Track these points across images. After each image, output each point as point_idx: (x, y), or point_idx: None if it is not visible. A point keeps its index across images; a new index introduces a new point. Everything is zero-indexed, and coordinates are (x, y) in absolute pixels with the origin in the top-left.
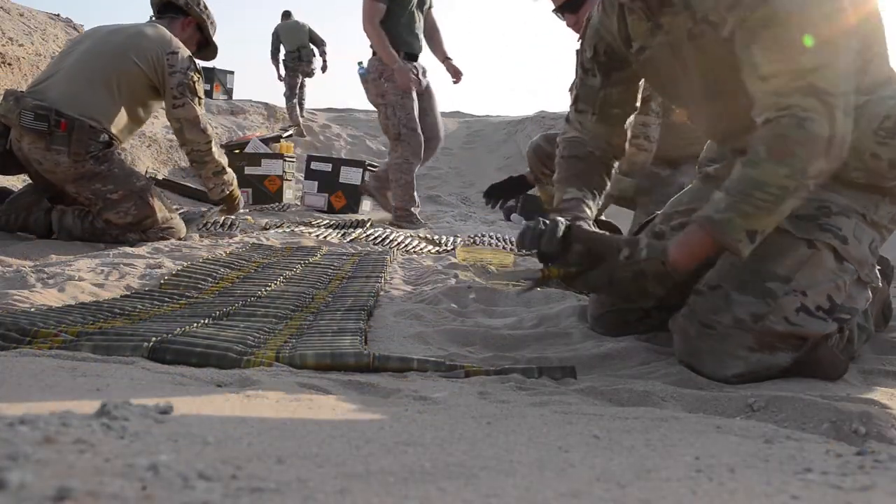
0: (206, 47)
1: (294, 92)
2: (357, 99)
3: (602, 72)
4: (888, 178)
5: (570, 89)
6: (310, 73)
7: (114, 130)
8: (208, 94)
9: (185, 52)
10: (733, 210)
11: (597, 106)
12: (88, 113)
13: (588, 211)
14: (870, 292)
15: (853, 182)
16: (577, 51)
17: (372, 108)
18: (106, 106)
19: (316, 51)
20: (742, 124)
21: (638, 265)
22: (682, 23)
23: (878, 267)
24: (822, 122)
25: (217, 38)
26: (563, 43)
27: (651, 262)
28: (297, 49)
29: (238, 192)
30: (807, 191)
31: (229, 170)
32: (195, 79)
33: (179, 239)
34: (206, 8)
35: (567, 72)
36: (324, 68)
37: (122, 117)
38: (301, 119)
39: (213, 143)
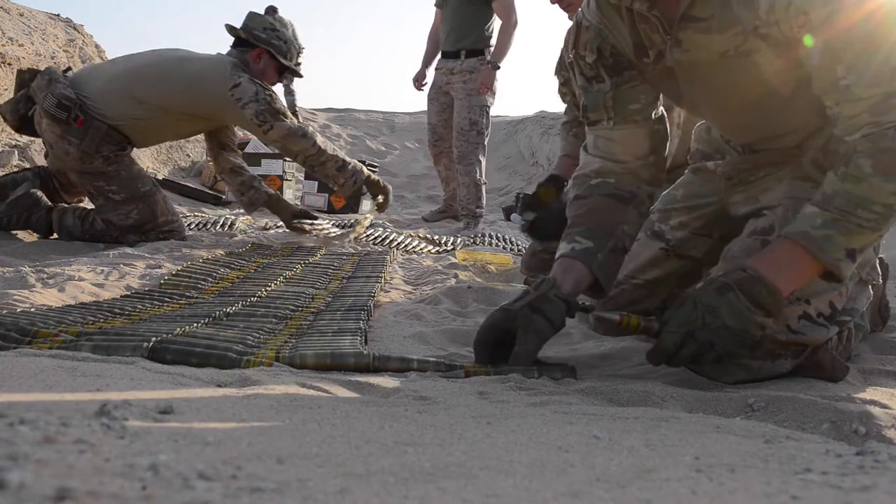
0: (287, 71)
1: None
2: (357, 99)
3: (610, 73)
4: None
5: (565, 123)
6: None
7: (134, 139)
8: None
9: (246, 80)
10: (833, 227)
11: (610, 108)
12: (114, 120)
13: (598, 269)
14: (870, 290)
15: None
16: (571, 64)
17: (372, 108)
18: (135, 121)
19: None
20: (773, 132)
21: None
22: (719, 42)
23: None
24: None
25: (303, 56)
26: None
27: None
28: None
29: (376, 176)
30: None
31: (352, 160)
32: (269, 99)
33: (181, 239)
34: (273, 30)
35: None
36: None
37: (149, 135)
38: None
39: (319, 142)
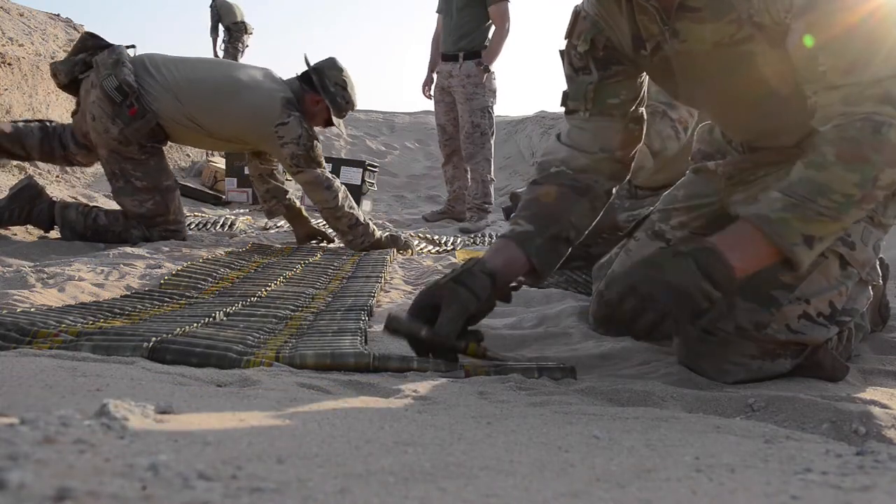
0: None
1: None
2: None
3: (598, 66)
4: None
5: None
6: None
7: (174, 137)
8: None
9: (296, 122)
10: (791, 212)
11: (589, 98)
12: (163, 119)
13: (524, 258)
14: (870, 290)
15: None
16: (562, 52)
17: (371, 108)
18: (183, 128)
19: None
20: (771, 129)
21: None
22: (714, 31)
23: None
24: None
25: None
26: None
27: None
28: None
29: (383, 237)
30: (875, 201)
31: (367, 221)
32: (309, 146)
33: (182, 239)
34: (343, 89)
35: (561, 69)
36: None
37: (189, 139)
38: None
39: (340, 197)
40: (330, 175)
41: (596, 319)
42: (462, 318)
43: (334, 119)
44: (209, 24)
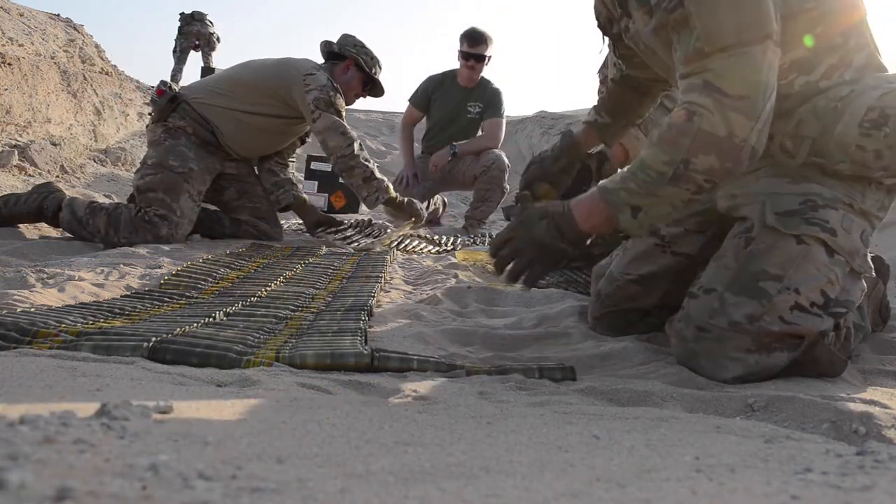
0: (372, 85)
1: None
2: (356, 99)
3: (608, 35)
4: (874, 168)
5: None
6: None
7: (216, 125)
8: None
9: (323, 75)
10: (622, 183)
11: (620, 64)
12: (196, 100)
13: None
14: (864, 283)
15: (838, 173)
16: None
17: (371, 108)
18: (219, 106)
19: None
20: None
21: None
22: (642, 17)
23: (874, 266)
24: (713, 120)
25: (384, 77)
26: (562, 42)
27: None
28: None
29: (399, 196)
30: (695, 185)
31: (382, 177)
32: (332, 95)
33: (167, 240)
34: (362, 47)
35: (563, 70)
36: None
37: (226, 119)
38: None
39: (355, 147)
40: (348, 126)
41: (490, 254)
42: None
43: (372, 78)
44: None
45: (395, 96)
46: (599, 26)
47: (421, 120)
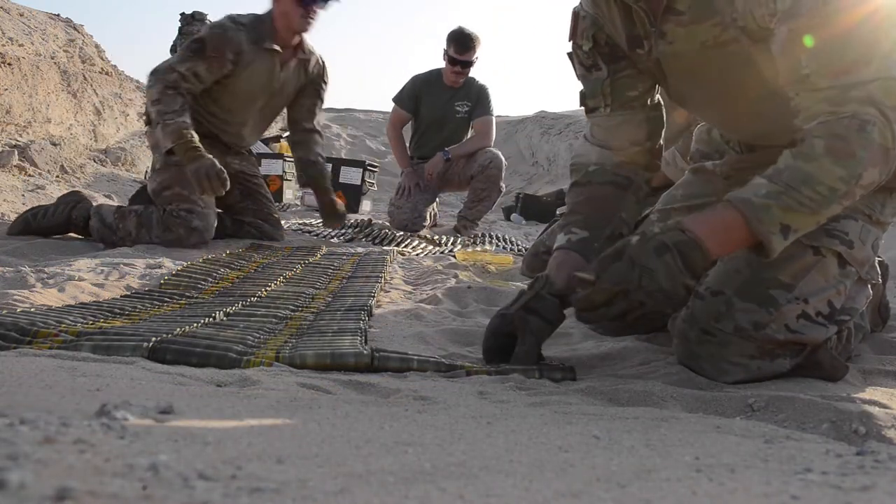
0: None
1: None
2: (357, 99)
3: (607, 61)
4: None
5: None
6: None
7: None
8: None
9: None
10: (774, 199)
11: (608, 94)
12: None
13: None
14: (870, 289)
15: None
16: (570, 54)
17: (371, 108)
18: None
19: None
20: (765, 129)
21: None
22: (698, 33)
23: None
24: (883, 130)
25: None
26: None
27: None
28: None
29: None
30: (853, 200)
31: (176, 124)
32: (194, 47)
33: (195, 243)
34: None
35: (563, 70)
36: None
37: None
38: None
39: (157, 92)
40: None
41: (577, 309)
42: (538, 347)
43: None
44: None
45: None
46: (598, 51)
47: (409, 122)
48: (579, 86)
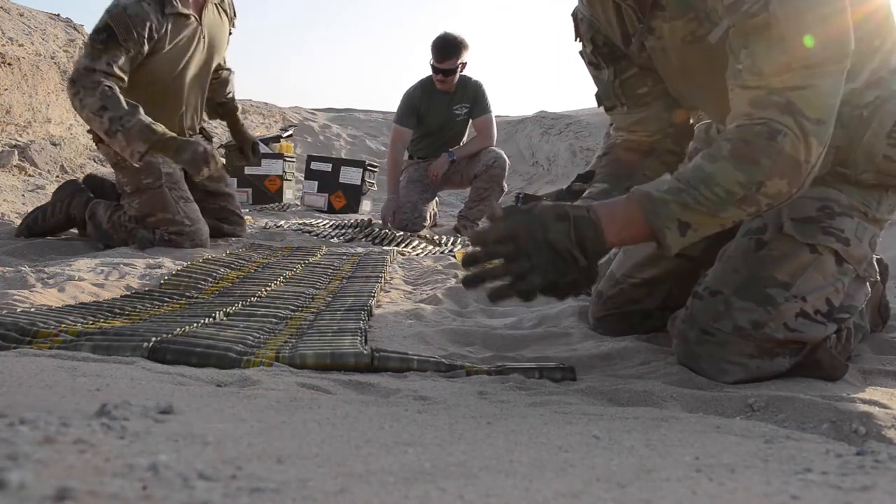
0: None
1: None
2: (357, 99)
3: (608, 61)
4: None
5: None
6: None
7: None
8: None
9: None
10: (674, 194)
11: (620, 95)
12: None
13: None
14: (868, 287)
15: (861, 182)
16: (580, 52)
17: (371, 108)
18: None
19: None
20: None
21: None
22: (678, 28)
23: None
24: (795, 143)
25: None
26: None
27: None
28: None
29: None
30: (756, 209)
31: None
32: (108, 31)
33: (195, 246)
34: None
35: (563, 70)
36: None
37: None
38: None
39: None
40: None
41: (471, 242)
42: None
43: None
44: None
45: (395, 96)
46: (598, 53)
47: (411, 136)
48: (592, 87)
